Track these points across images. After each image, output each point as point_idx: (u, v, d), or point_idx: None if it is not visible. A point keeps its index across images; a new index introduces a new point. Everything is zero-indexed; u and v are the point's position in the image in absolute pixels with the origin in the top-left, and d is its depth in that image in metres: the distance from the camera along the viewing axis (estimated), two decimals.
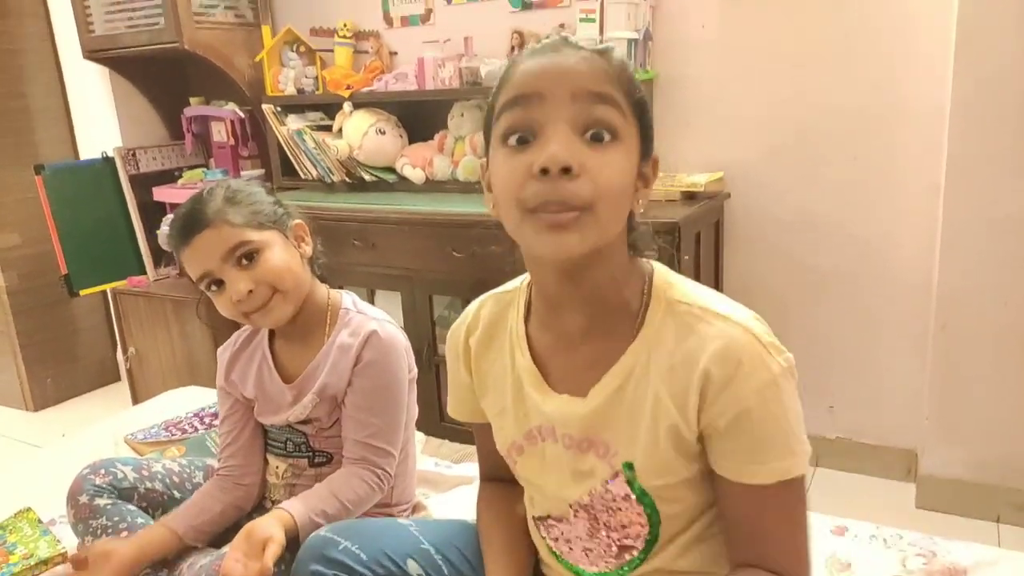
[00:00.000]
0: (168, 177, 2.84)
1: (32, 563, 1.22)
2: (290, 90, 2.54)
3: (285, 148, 2.58)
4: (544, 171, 0.68)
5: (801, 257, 2.12)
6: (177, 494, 1.19)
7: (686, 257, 1.90)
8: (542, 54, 0.73)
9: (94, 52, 2.67)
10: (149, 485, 1.18)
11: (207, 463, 1.33)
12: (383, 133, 2.40)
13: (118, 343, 2.92)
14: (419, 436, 1.68)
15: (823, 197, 2.06)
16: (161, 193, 2.73)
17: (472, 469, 1.45)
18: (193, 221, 1.08)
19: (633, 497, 0.78)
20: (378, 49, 2.53)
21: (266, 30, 2.59)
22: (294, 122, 2.52)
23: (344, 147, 2.41)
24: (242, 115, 2.71)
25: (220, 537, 1.19)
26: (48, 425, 2.83)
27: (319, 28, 2.65)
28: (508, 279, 0.92)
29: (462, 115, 2.30)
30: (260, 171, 2.80)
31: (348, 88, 2.43)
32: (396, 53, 2.56)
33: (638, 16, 2.05)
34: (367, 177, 2.46)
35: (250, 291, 1.07)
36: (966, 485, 1.89)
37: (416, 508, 1.29)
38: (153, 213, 2.75)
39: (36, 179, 2.58)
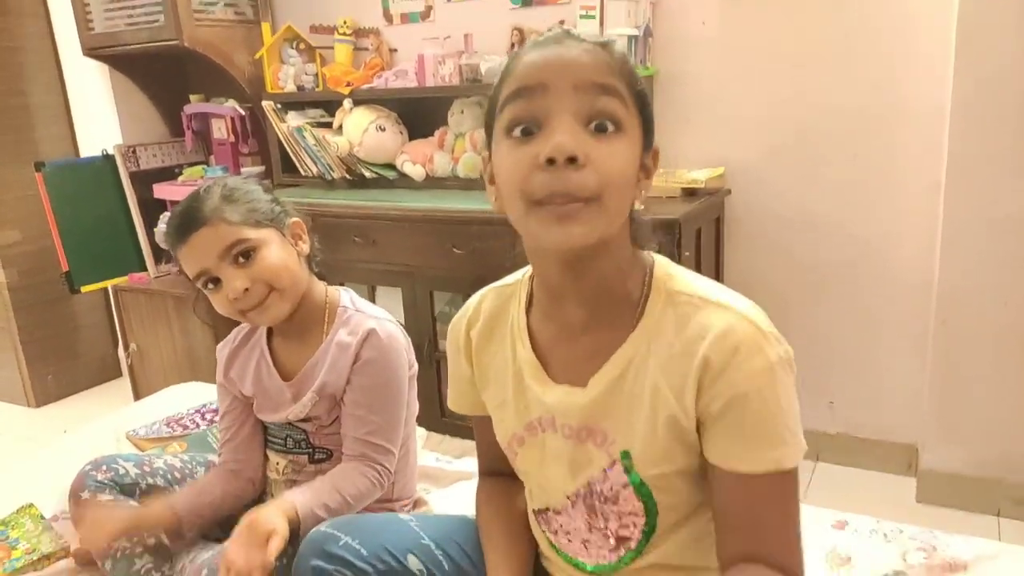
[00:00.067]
0: (168, 174, 2.84)
1: (35, 558, 1.23)
2: (290, 87, 2.54)
3: (285, 145, 2.58)
4: (550, 161, 0.69)
5: (802, 254, 2.12)
6: (179, 490, 1.19)
7: (687, 253, 1.90)
8: (545, 46, 0.73)
9: (94, 49, 2.67)
10: (151, 481, 1.19)
11: (209, 459, 1.33)
12: (383, 130, 2.40)
13: (119, 339, 2.93)
14: (420, 431, 1.68)
15: (824, 195, 2.06)
16: (161, 190, 2.73)
17: (472, 465, 1.45)
18: (190, 219, 1.08)
19: (630, 486, 0.79)
20: (378, 46, 2.53)
21: (266, 27, 2.59)
22: (294, 119, 2.52)
23: (344, 144, 2.41)
24: (242, 112, 2.71)
25: (223, 533, 1.20)
26: (50, 421, 2.83)
27: (319, 25, 2.65)
28: (508, 275, 0.92)
29: (462, 112, 2.30)
30: (260, 168, 2.80)
31: (348, 85, 2.43)
32: (396, 50, 2.56)
33: (638, 12, 2.05)
34: (367, 174, 2.46)
35: (246, 289, 1.07)
36: (966, 479, 1.90)
37: (417, 503, 1.29)
38: (153, 210, 2.75)
39: (37, 176, 2.58)
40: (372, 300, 2.28)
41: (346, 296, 1.21)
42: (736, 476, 0.73)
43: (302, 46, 2.58)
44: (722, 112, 2.14)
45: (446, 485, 1.42)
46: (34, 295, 2.91)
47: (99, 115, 2.89)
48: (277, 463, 1.22)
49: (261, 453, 1.23)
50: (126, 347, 2.75)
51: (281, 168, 2.66)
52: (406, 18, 2.52)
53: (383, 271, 2.24)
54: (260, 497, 1.24)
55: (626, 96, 0.73)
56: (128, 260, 2.75)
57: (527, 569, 0.93)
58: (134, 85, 2.88)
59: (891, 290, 2.04)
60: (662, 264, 0.81)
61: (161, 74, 2.90)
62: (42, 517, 1.34)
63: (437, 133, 2.38)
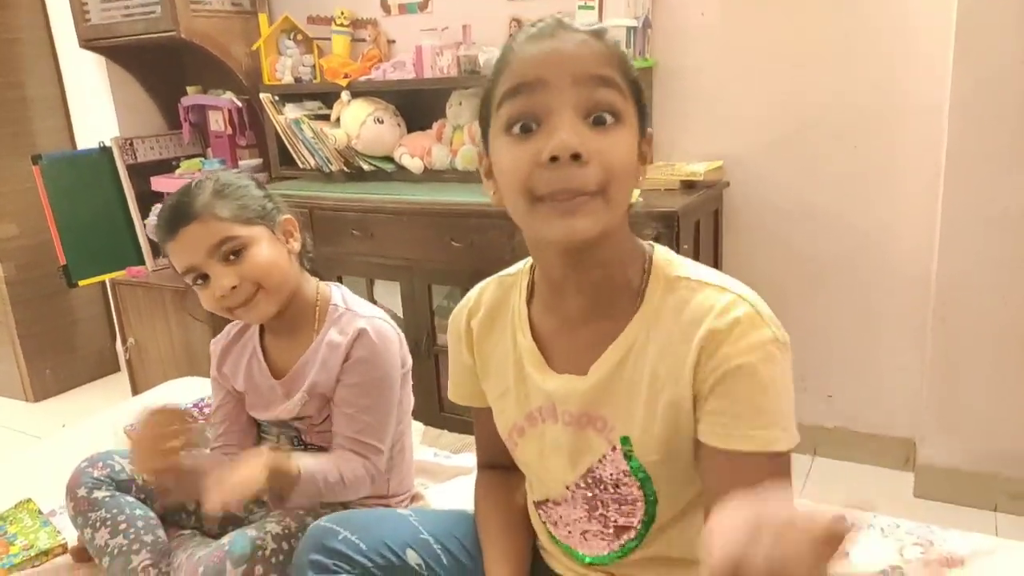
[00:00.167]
0: (166, 167, 2.83)
1: (32, 554, 1.23)
2: (287, 79, 2.53)
3: (283, 137, 2.57)
4: (554, 159, 0.68)
5: (800, 247, 2.12)
6: (156, 502, 1.19)
7: (685, 246, 1.89)
8: (539, 40, 0.73)
9: (90, 41, 2.65)
10: (146, 477, 1.18)
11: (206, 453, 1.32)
12: (381, 122, 2.39)
13: (117, 334, 2.92)
14: (418, 426, 1.68)
15: (822, 188, 2.06)
16: (159, 183, 2.72)
17: (470, 460, 1.45)
18: (180, 214, 1.07)
19: (630, 473, 0.79)
20: (376, 37, 2.52)
21: (263, 18, 2.57)
22: (292, 111, 2.51)
23: (342, 136, 2.40)
24: (239, 104, 2.70)
25: (220, 529, 1.20)
26: (48, 416, 2.83)
27: (316, 16, 2.63)
28: (507, 268, 0.92)
29: (460, 104, 2.29)
30: (258, 160, 2.79)
31: (346, 77, 2.42)
32: (394, 41, 2.54)
33: (637, 3, 2.04)
34: (365, 166, 2.45)
35: (234, 287, 1.07)
36: (964, 474, 1.90)
37: (414, 498, 1.29)
38: (151, 203, 2.73)
39: (33, 169, 2.57)
40: (370, 294, 2.29)
41: (337, 293, 1.20)
42: (726, 455, 0.72)
43: (299, 37, 2.57)
44: (721, 104, 2.13)
45: (444, 480, 1.42)
46: (32, 289, 2.91)
47: (96, 107, 2.88)
48: None
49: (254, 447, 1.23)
50: (124, 341, 2.75)
51: (279, 161, 2.65)
52: (404, 9, 2.50)
53: (381, 264, 2.24)
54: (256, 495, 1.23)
55: (623, 86, 0.73)
56: (126, 254, 2.75)
57: (525, 562, 0.93)
58: (131, 77, 2.86)
59: (890, 283, 2.04)
60: (662, 252, 0.82)
61: (158, 66, 2.89)
62: (40, 512, 1.34)
63: (435, 125, 2.37)
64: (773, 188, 2.12)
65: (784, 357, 0.73)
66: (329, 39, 2.55)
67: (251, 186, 1.14)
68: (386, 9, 2.53)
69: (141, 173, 2.75)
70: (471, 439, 1.59)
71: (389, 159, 2.46)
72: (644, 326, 0.77)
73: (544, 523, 0.90)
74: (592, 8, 2.04)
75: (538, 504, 0.90)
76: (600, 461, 0.80)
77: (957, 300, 1.84)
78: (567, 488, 0.84)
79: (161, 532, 1.13)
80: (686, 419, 0.75)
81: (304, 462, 1.04)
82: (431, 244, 2.11)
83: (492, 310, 0.90)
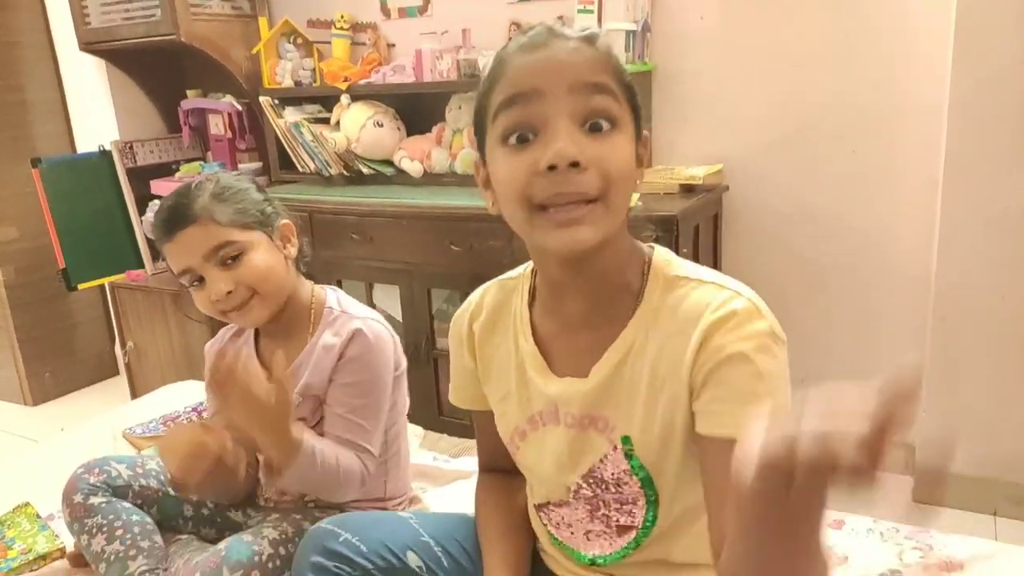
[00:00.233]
0: (165, 170, 2.83)
1: (30, 558, 1.23)
2: (287, 82, 2.53)
3: (283, 141, 2.57)
4: (552, 167, 0.69)
5: (800, 249, 2.12)
6: (171, 491, 1.18)
7: (684, 250, 1.89)
8: (532, 49, 0.73)
9: (90, 44, 2.66)
10: (143, 482, 1.17)
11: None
12: (381, 126, 2.39)
13: (116, 337, 2.92)
14: (417, 430, 1.68)
15: (822, 190, 2.06)
16: (159, 186, 2.72)
17: (470, 464, 1.45)
18: (178, 216, 1.07)
19: (631, 472, 0.79)
20: (375, 41, 2.52)
21: (263, 22, 2.58)
22: (291, 115, 2.51)
23: (342, 140, 2.40)
24: (239, 108, 2.70)
25: (217, 534, 1.19)
26: (47, 420, 2.83)
27: (316, 20, 2.63)
28: (506, 271, 0.92)
29: (460, 107, 2.29)
30: (258, 164, 2.79)
31: (346, 80, 2.42)
32: (394, 45, 2.54)
33: (637, 7, 2.04)
34: (365, 170, 2.45)
35: (229, 292, 1.06)
36: (964, 479, 1.89)
37: (412, 502, 1.29)
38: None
39: (33, 173, 2.57)
40: (370, 297, 2.29)
41: (332, 296, 1.19)
42: (724, 443, 0.69)
43: (299, 41, 2.57)
44: (720, 108, 2.13)
45: (443, 484, 1.42)
46: (31, 293, 2.91)
47: (96, 111, 2.88)
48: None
49: (252, 453, 1.22)
50: (123, 345, 2.75)
51: (278, 164, 2.65)
52: (403, 12, 2.50)
53: (381, 268, 2.24)
54: (253, 499, 1.23)
55: (617, 91, 0.73)
56: (125, 257, 2.75)
57: (525, 564, 0.93)
58: (131, 80, 2.87)
59: (889, 284, 2.04)
60: (661, 253, 0.82)
61: (158, 69, 2.89)
62: (38, 516, 1.34)
63: (435, 129, 2.37)
64: (773, 191, 2.12)
65: (780, 351, 0.73)
66: (329, 43, 2.55)
67: (251, 189, 1.14)
68: (386, 13, 2.53)
69: (141, 177, 2.76)
70: (470, 443, 1.60)
71: (389, 163, 2.46)
72: (643, 326, 0.78)
73: (545, 525, 0.90)
74: (591, 12, 2.04)
75: (539, 507, 0.90)
76: (601, 461, 0.80)
77: (956, 301, 1.84)
78: (569, 489, 0.84)
79: (158, 538, 1.13)
80: (684, 416, 0.75)
81: (307, 435, 1.02)
82: (430, 248, 2.11)
83: (494, 313, 0.90)
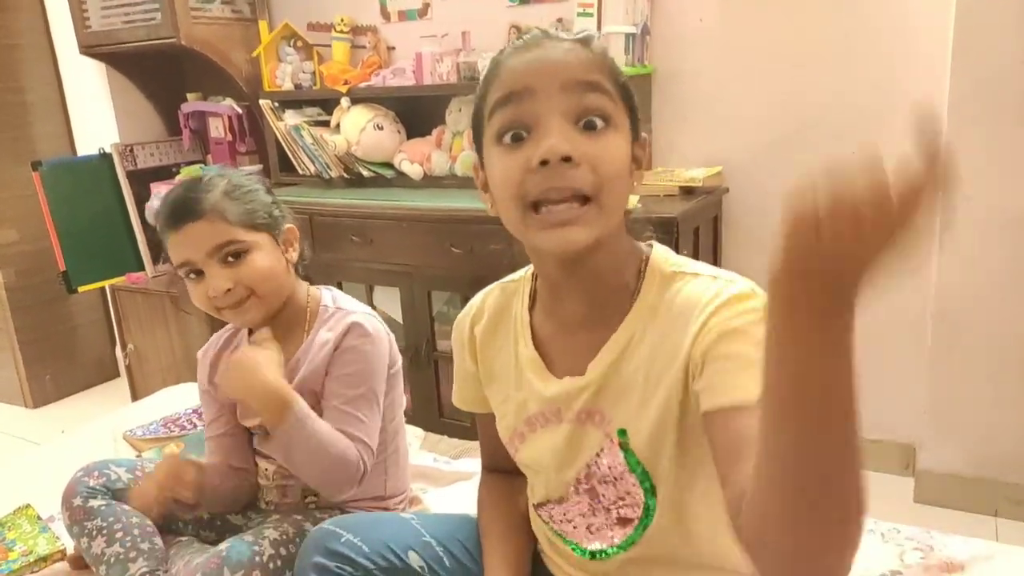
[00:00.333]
0: (165, 173, 2.83)
1: (31, 560, 1.23)
2: (287, 85, 2.54)
3: (283, 144, 2.57)
4: (544, 163, 0.69)
5: None
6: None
7: (684, 252, 1.88)
8: (526, 50, 0.74)
9: (91, 47, 2.66)
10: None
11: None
12: (381, 128, 2.40)
13: (117, 340, 2.92)
14: (418, 431, 1.68)
15: None
16: (159, 189, 2.72)
17: (470, 465, 1.45)
18: (187, 209, 1.06)
19: (627, 464, 0.79)
20: (375, 44, 2.52)
21: (263, 25, 2.58)
22: (292, 117, 2.51)
23: (342, 142, 2.40)
24: (239, 111, 2.71)
25: (218, 536, 1.19)
26: (47, 422, 2.83)
27: (316, 23, 2.64)
28: (506, 274, 0.93)
29: (460, 110, 2.30)
30: (258, 167, 2.79)
31: (346, 83, 2.43)
32: (394, 48, 2.55)
33: (636, 10, 2.04)
34: (365, 173, 2.46)
35: (228, 290, 1.06)
36: (964, 480, 1.90)
37: (412, 502, 1.29)
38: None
39: (33, 175, 2.57)
40: (370, 300, 2.29)
41: (327, 295, 1.19)
42: (730, 412, 0.67)
43: (299, 44, 2.57)
44: (720, 110, 2.13)
45: (443, 485, 1.42)
46: (31, 295, 2.91)
47: (96, 113, 2.88)
48: (266, 469, 1.20)
49: (250, 459, 1.21)
50: (123, 347, 2.75)
51: (278, 167, 2.65)
52: (404, 15, 2.51)
53: (381, 270, 2.24)
54: (253, 502, 1.23)
55: (611, 90, 0.73)
56: (125, 260, 2.75)
57: (526, 565, 0.94)
58: (131, 83, 2.87)
59: (889, 284, 2.03)
60: (659, 251, 0.82)
61: (158, 72, 2.89)
62: (39, 518, 1.34)
63: (435, 132, 2.38)
64: (773, 192, 2.12)
65: None
66: (329, 46, 2.56)
67: (261, 191, 1.14)
68: (386, 16, 2.54)
69: (141, 179, 2.76)
70: (470, 445, 1.60)
71: (389, 165, 2.46)
72: (640, 323, 0.78)
73: (547, 523, 0.90)
74: (591, 15, 2.04)
75: (538, 506, 0.90)
76: (598, 455, 0.81)
77: (956, 303, 1.84)
78: (568, 484, 0.85)
79: (158, 539, 1.13)
80: (680, 408, 0.75)
81: (302, 403, 1.01)
82: (431, 250, 2.11)
83: (495, 317, 0.91)
